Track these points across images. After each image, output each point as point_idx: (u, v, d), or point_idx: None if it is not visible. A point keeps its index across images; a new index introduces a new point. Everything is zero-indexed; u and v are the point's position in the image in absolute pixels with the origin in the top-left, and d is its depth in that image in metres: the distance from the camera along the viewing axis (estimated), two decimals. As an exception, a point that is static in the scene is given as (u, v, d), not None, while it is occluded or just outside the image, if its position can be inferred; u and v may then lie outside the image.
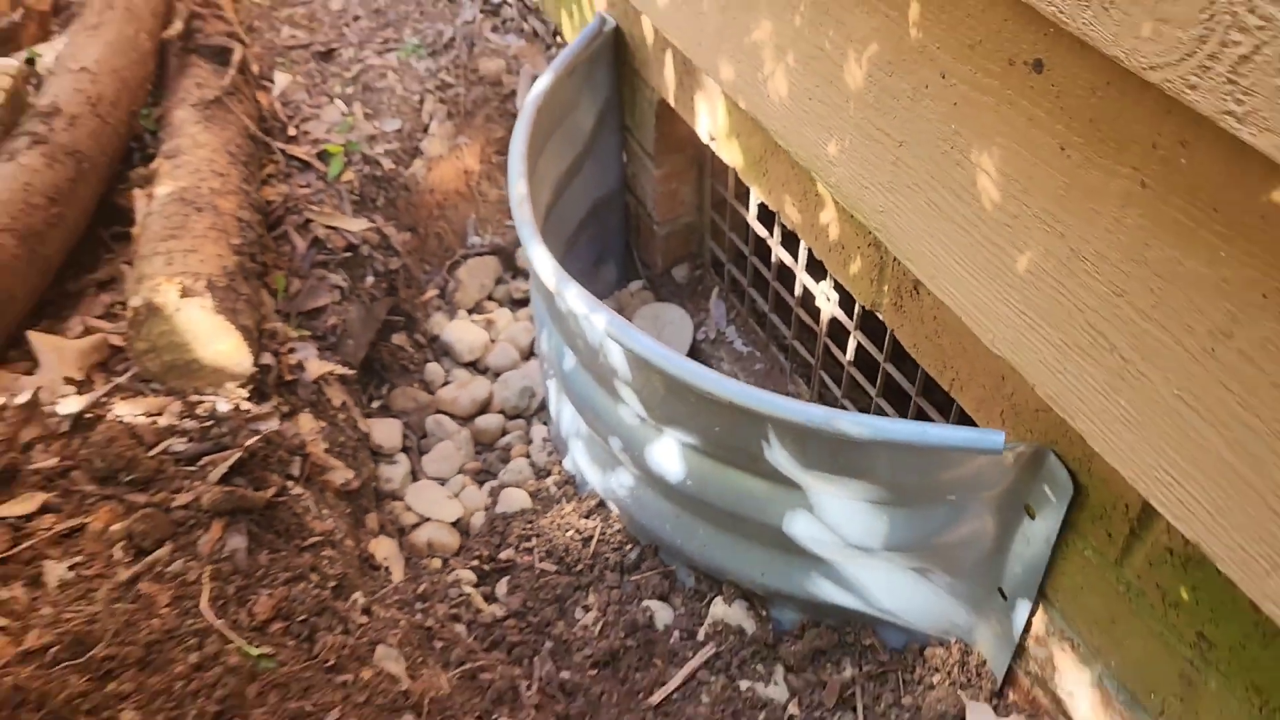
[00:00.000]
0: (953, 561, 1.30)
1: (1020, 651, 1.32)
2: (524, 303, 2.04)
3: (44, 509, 1.28)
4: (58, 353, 1.43)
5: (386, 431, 1.72)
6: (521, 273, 2.08)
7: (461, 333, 1.91)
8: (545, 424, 1.82)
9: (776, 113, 1.30)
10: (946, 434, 1.09)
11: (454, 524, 1.63)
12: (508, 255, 2.08)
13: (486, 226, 2.07)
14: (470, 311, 1.99)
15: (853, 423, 1.11)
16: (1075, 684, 1.24)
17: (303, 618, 1.26)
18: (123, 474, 1.31)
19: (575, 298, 1.27)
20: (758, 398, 1.15)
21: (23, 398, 1.35)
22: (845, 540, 1.29)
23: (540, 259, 1.34)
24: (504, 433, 1.82)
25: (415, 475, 1.71)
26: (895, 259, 1.23)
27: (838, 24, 1.13)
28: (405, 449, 1.74)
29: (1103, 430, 0.96)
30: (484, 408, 1.83)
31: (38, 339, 1.44)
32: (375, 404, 1.79)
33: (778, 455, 1.22)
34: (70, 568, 1.23)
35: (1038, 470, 1.14)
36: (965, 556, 1.28)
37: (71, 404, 1.37)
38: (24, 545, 1.24)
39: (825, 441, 1.16)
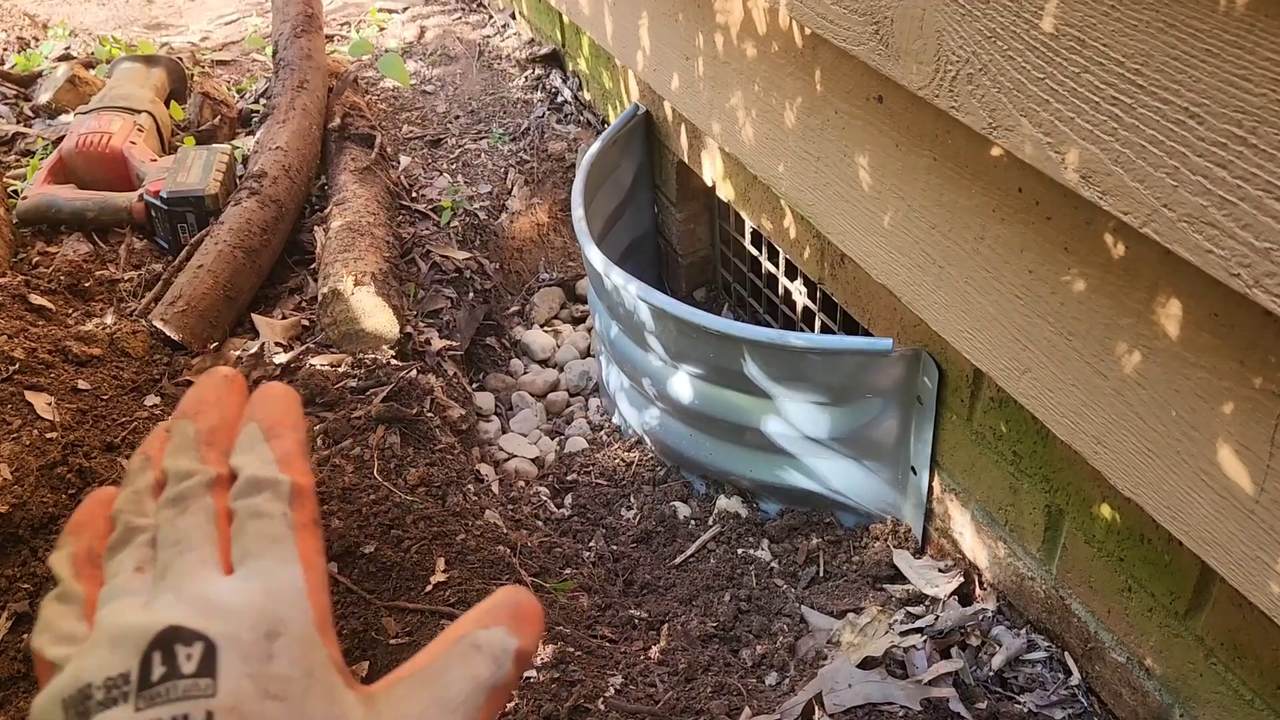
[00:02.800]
0: (878, 448, 1.88)
1: (929, 513, 1.89)
2: (581, 320, 2.70)
3: (268, 418, 1.94)
4: (270, 328, 2.11)
5: (484, 400, 2.36)
6: (580, 299, 2.74)
7: (536, 338, 2.56)
8: (598, 397, 2.45)
9: (748, 151, 1.97)
10: (854, 341, 1.70)
11: (533, 460, 2.25)
12: (569, 287, 2.75)
13: (553, 265, 2.75)
14: (542, 325, 2.65)
15: (795, 337, 1.73)
16: (961, 524, 1.81)
17: (438, 484, 1.88)
18: (318, 398, 1.97)
19: (617, 275, 1.92)
20: (733, 326, 1.78)
21: (253, 350, 2.03)
22: (802, 434, 1.89)
23: (594, 254, 1.99)
24: (568, 405, 2.45)
25: (504, 430, 2.34)
26: (828, 241, 1.86)
27: (779, 89, 1.79)
28: (497, 413, 2.38)
29: (935, 316, 1.56)
30: (553, 388, 2.47)
31: (257, 319, 2.12)
32: (474, 385, 2.44)
33: (752, 370, 1.83)
34: (289, 449, 1.87)
35: (918, 367, 1.73)
36: (885, 442, 1.86)
37: (281, 357, 2.04)
38: (259, 435, 1.89)
39: (779, 355, 1.77)
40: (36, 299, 2.05)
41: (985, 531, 1.74)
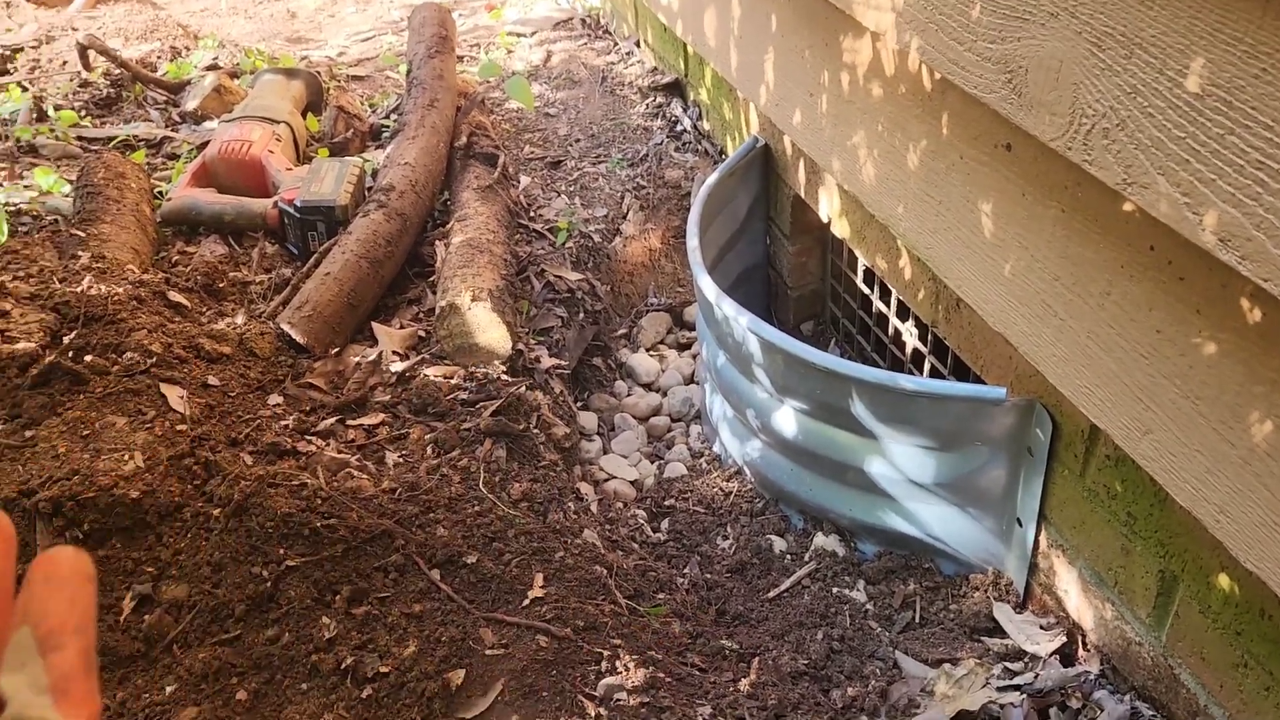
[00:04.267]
0: (983, 497, 1.85)
1: (1033, 568, 1.84)
2: (687, 346, 2.72)
3: (383, 423, 2.01)
4: (388, 337, 2.19)
5: (587, 419, 2.40)
6: (686, 325, 2.76)
7: (642, 361, 2.59)
8: (699, 424, 2.46)
9: (868, 190, 1.96)
10: (967, 388, 1.68)
11: (632, 482, 2.28)
12: (677, 313, 2.77)
13: (662, 291, 2.78)
14: (648, 349, 2.68)
15: (906, 380, 1.72)
16: (1067, 582, 1.76)
17: (540, 500, 1.92)
18: (430, 408, 2.03)
19: (728, 305, 1.94)
20: (843, 364, 1.77)
21: (370, 358, 2.10)
22: (906, 477, 1.87)
23: (706, 283, 2.01)
24: (669, 430, 2.47)
25: (606, 450, 2.37)
26: (944, 284, 1.84)
27: (903, 130, 1.79)
28: (600, 433, 2.41)
29: (1053, 369, 1.53)
30: (656, 412, 2.49)
31: (377, 327, 2.20)
32: (578, 405, 2.48)
33: (859, 409, 1.83)
34: (401, 456, 1.94)
35: (1031, 418, 1.70)
36: (991, 491, 1.83)
37: (398, 366, 2.11)
38: (373, 440, 1.96)
39: (888, 396, 1.76)
40: (175, 296, 2.17)
41: (1092, 591, 1.69)
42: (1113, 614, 1.64)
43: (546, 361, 2.25)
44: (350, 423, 1.98)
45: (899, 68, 1.75)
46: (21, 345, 1.91)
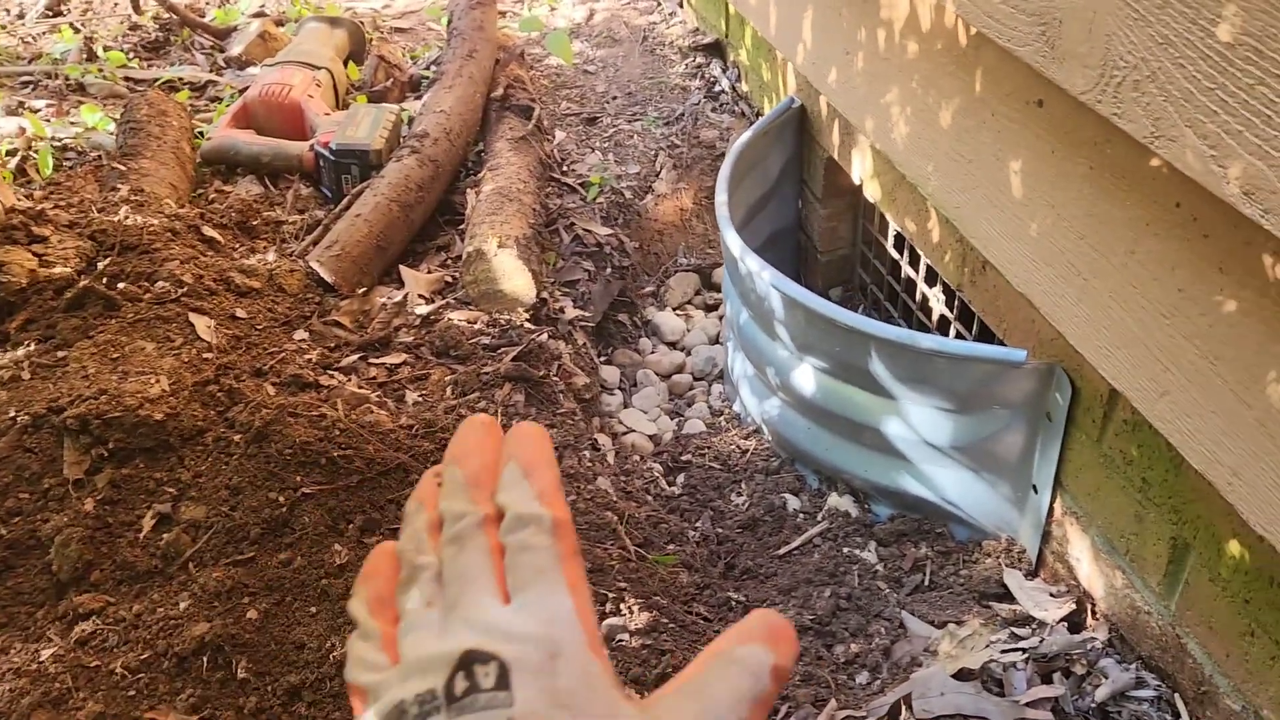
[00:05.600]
0: (999, 461, 1.83)
1: (1046, 535, 1.83)
2: (714, 307, 2.71)
3: (404, 363, 2.03)
4: (415, 280, 2.21)
5: (610, 373, 2.40)
6: (714, 287, 2.76)
7: (667, 320, 2.59)
8: (721, 384, 2.46)
9: (898, 149, 1.94)
10: (986, 349, 1.67)
11: (651, 436, 2.29)
12: (705, 274, 2.77)
13: (692, 251, 2.78)
14: (675, 308, 2.68)
15: (925, 339, 1.71)
16: (1080, 550, 1.75)
17: (555, 446, 1.93)
18: (451, 351, 2.05)
19: (752, 260, 1.93)
20: (862, 321, 1.76)
21: (396, 300, 2.12)
22: (923, 439, 1.86)
23: (732, 238, 2.01)
24: (690, 388, 2.47)
25: (626, 405, 2.38)
26: (970, 246, 1.82)
27: (936, 87, 1.77)
28: (621, 388, 2.42)
29: (1074, 330, 1.51)
30: (678, 370, 2.50)
31: (405, 271, 2.22)
32: (602, 359, 2.49)
33: (878, 368, 1.82)
34: (420, 395, 1.96)
35: (1051, 382, 1.68)
36: (1008, 456, 1.82)
37: (423, 309, 2.13)
38: (394, 379, 1.98)
39: (907, 355, 1.75)
40: (209, 231, 2.20)
41: (1104, 559, 1.68)
42: (1123, 582, 1.63)
43: (571, 313, 2.26)
44: (373, 361, 2.00)
45: (935, 23, 1.73)
46: (59, 270, 1.95)
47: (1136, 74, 1.19)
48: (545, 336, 2.12)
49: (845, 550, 1.96)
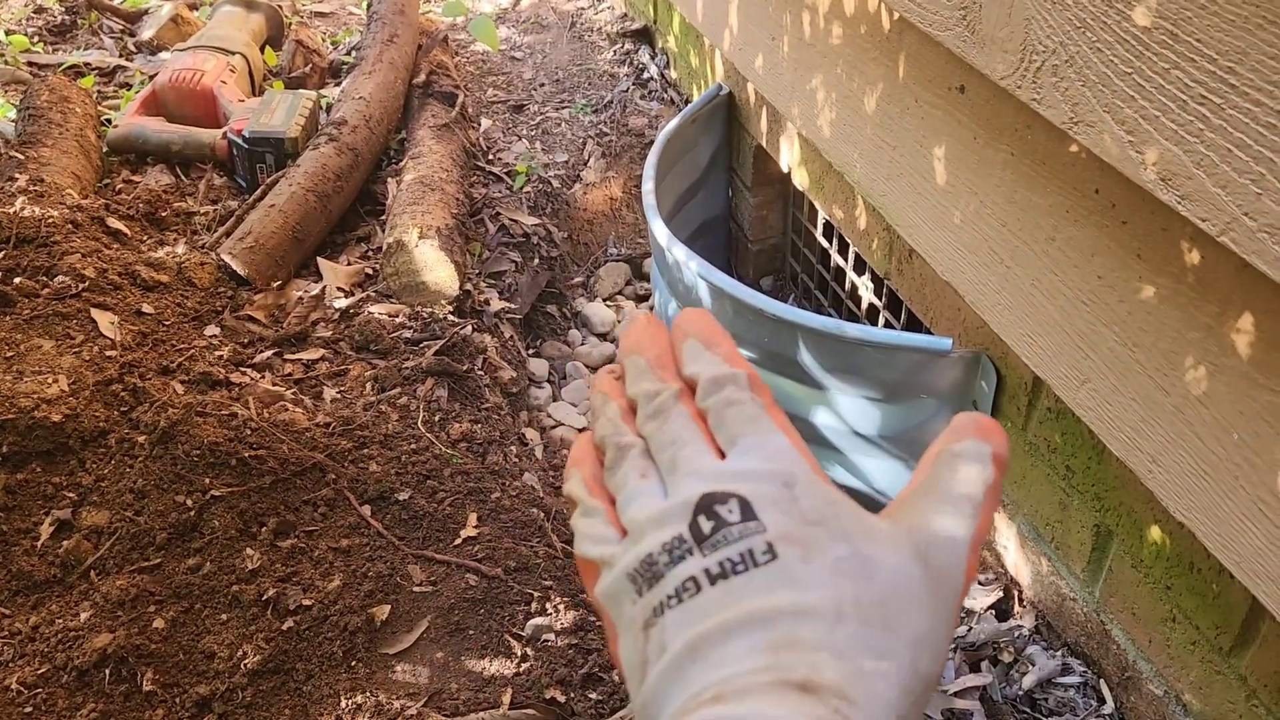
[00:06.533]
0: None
1: (975, 523, 1.83)
2: (645, 298, 2.68)
3: (322, 359, 1.96)
4: (334, 273, 2.13)
5: (538, 366, 2.36)
6: (645, 277, 2.72)
7: (597, 311, 2.55)
8: (652, 376, 2.43)
9: (825, 136, 1.92)
10: (912, 338, 1.65)
11: (580, 430, 2.24)
12: (636, 264, 2.73)
13: (622, 241, 2.74)
14: (605, 299, 2.64)
15: (852, 328, 1.69)
16: (1006, 537, 1.75)
17: (480, 442, 1.88)
18: (372, 345, 1.98)
19: (679, 250, 1.90)
20: (789, 311, 1.74)
21: (314, 293, 2.05)
22: (852, 429, 1.85)
23: (659, 228, 1.97)
24: (621, 380, 2.43)
25: (555, 398, 2.34)
26: (897, 235, 1.81)
27: (861, 74, 1.75)
28: (550, 381, 2.37)
29: (998, 318, 1.51)
30: (608, 361, 2.46)
31: (322, 263, 2.15)
32: (530, 352, 2.44)
33: (806, 359, 1.80)
34: (338, 392, 1.90)
35: (977, 370, 1.68)
36: (935, 445, 1.81)
37: (342, 302, 2.06)
38: (311, 375, 1.92)
39: (834, 345, 1.73)
40: (114, 223, 2.10)
41: (1030, 547, 1.68)
42: (1049, 569, 1.63)
43: (496, 304, 2.21)
44: (289, 357, 1.93)
45: (858, 8, 1.71)
46: (-52, 265, 1.85)
47: (1055, 59, 1.18)
48: (470, 329, 2.07)
49: (776, 542, 1.94)
